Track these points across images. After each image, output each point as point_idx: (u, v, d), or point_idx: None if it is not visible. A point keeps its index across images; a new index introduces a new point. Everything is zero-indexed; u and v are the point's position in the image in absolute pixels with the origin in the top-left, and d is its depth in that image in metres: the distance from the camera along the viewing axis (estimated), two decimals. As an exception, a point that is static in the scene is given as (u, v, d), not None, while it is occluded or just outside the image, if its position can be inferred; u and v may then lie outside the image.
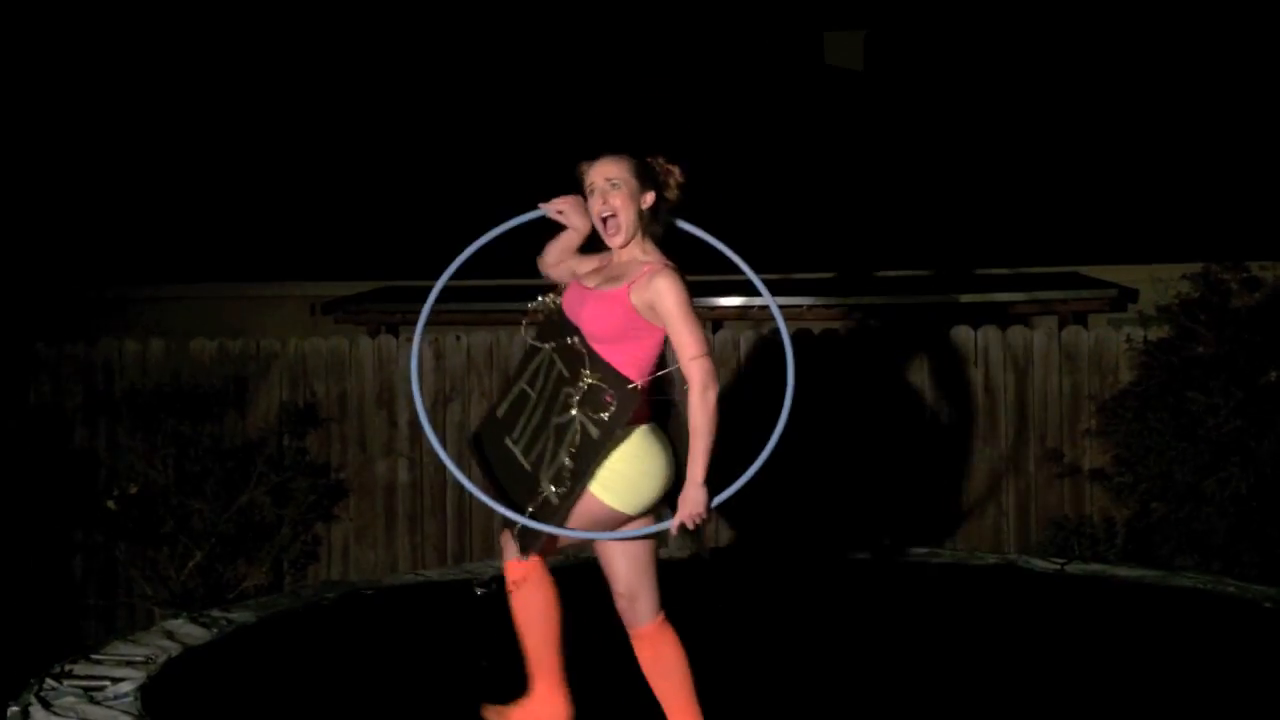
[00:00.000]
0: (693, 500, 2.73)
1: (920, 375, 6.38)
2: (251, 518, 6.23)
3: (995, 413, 6.30)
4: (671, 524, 2.78)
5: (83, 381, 6.75)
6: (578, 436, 2.73)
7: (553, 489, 2.73)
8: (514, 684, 2.94)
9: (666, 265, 2.78)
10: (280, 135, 11.01)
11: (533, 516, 2.76)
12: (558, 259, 2.99)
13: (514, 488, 2.84)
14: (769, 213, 9.21)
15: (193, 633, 3.94)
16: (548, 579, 2.89)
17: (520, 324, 3.07)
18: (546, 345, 2.88)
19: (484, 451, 2.96)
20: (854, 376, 6.34)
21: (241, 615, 4.24)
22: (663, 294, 2.71)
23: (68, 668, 3.38)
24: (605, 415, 2.71)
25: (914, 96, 11.26)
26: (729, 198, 7.84)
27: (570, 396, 2.76)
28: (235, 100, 11.53)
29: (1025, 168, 9.92)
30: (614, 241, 2.81)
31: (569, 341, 2.81)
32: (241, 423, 6.53)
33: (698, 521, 2.75)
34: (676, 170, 2.88)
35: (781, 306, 3.07)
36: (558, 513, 2.73)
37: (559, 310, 2.90)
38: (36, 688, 3.16)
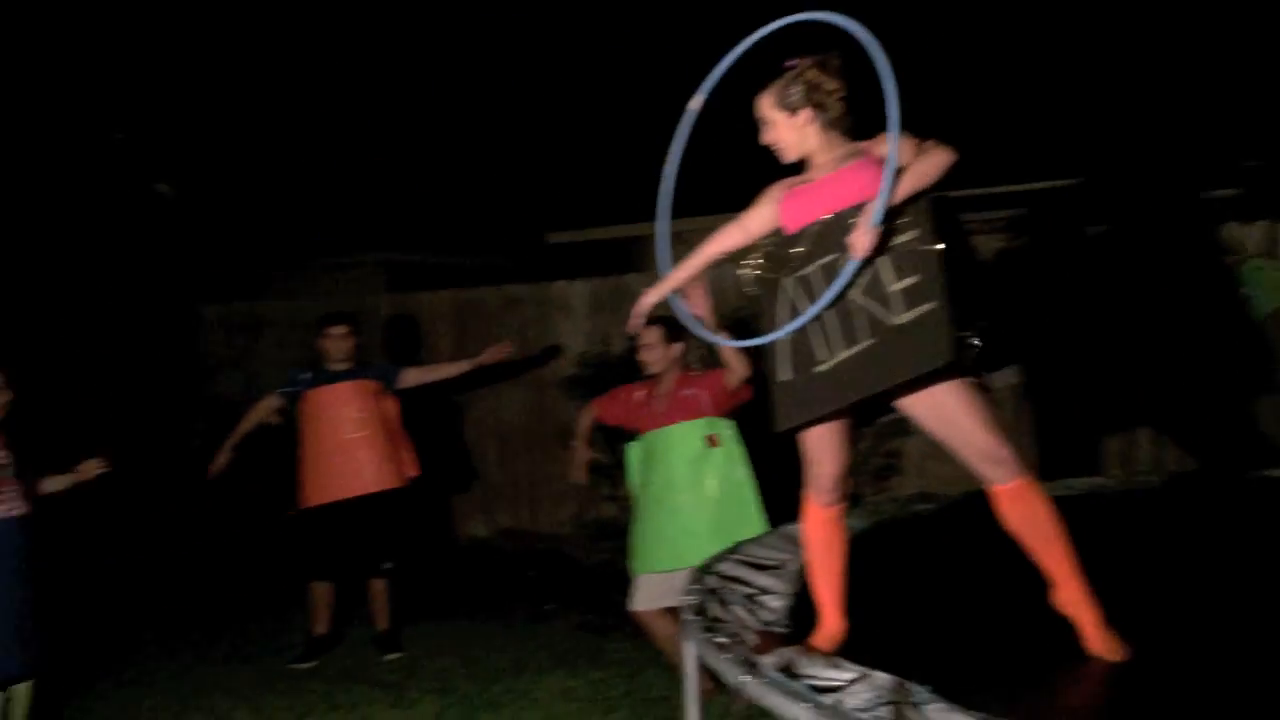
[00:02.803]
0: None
1: None
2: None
3: None
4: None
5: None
6: (897, 261, 2.74)
7: (910, 316, 2.70)
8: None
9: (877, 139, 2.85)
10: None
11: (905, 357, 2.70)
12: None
13: (875, 370, 2.76)
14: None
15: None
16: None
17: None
18: (783, 277, 2.91)
19: (811, 410, 2.85)
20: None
21: (852, 522, 4.33)
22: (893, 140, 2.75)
23: (715, 567, 3.64)
24: (904, 223, 2.75)
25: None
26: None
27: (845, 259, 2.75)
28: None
29: None
30: (786, 160, 2.99)
31: (813, 232, 2.86)
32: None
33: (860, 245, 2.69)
34: (825, 79, 2.89)
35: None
36: (939, 325, 2.67)
37: (777, 245, 2.96)
38: (704, 581, 3.42)
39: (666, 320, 4.55)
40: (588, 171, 13.04)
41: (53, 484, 4.69)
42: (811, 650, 2.75)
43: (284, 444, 6.05)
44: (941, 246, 2.72)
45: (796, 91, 2.93)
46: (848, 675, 2.46)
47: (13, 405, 4.52)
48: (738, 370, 4.48)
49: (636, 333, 4.11)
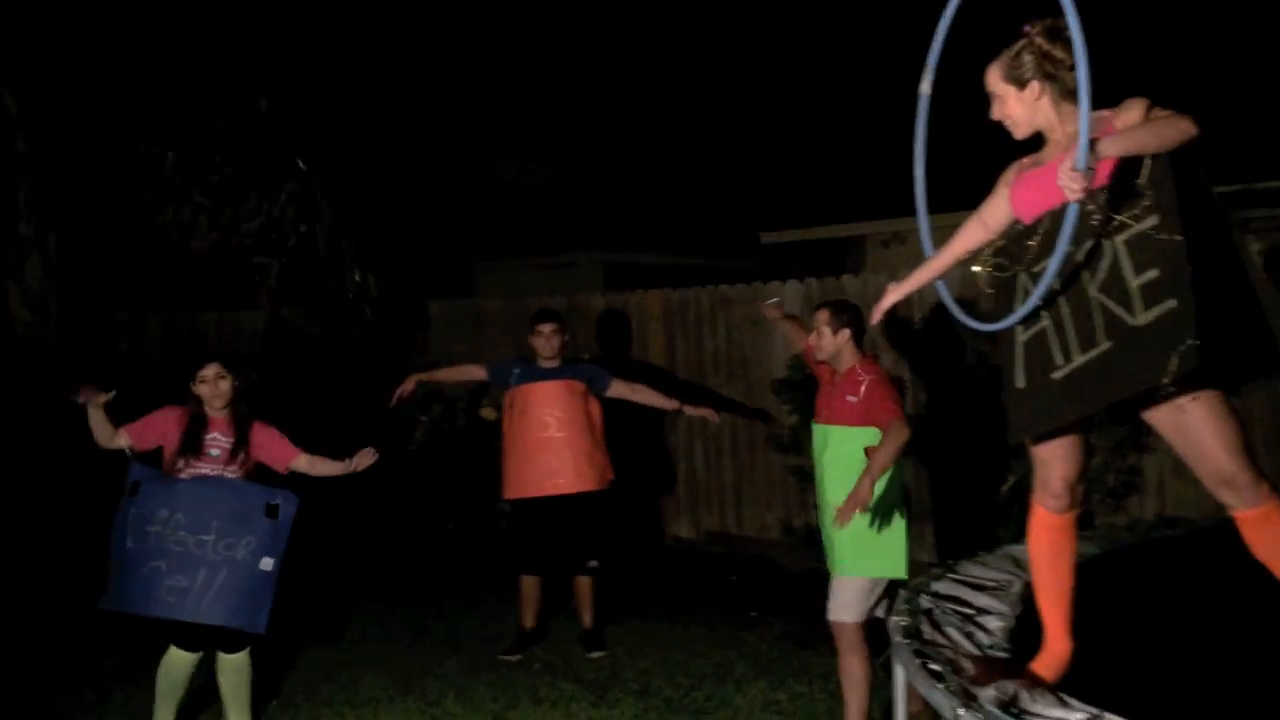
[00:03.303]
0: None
1: None
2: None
3: None
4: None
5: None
6: (1136, 250, 2.48)
7: (1150, 316, 2.45)
8: None
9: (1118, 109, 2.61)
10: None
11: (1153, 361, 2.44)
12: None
13: (1108, 382, 2.52)
14: None
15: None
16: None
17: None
18: (1019, 269, 2.73)
19: (1045, 423, 2.66)
20: None
21: (1084, 548, 4.00)
22: (1127, 109, 2.60)
23: (929, 586, 3.43)
24: (1144, 206, 2.50)
25: None
26: None
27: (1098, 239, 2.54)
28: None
29: None
30: (1018, 136, 2.82)
31: (1045, 228, 2.65)
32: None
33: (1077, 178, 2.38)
34: (1056, 48, 2.65)
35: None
36: (1180, 329, 2.40)
37: (1012, 238, 2.79)
38: (912, 600, 3.22)
39: (834, 304, 4.39)
40: (801, 171, 12.83)
41: (326, 467, 4.81)
42: (1035, 681, 2.52)
43: (496, 436, 6.18)
44: (1181, 238, 2.44)
45: (1025, 62, 2.71)
46: (1078, 717, 2.22)
47: (241, 391, 4.69)
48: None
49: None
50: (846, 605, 4.23)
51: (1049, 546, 2.79)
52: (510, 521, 5.99)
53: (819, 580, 6.63)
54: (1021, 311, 2.62)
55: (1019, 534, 5.06)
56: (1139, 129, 2.49)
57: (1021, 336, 2.70)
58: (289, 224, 8.04)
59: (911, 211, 9.60)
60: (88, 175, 8.28)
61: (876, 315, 3.18)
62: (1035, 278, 2.64)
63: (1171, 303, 2.42)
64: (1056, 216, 2.60)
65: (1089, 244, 2.57)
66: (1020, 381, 2.69)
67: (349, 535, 8.31)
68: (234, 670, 4.58)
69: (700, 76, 14.52)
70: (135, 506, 4.43)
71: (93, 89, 7.51)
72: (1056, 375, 2.61)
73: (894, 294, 3.08)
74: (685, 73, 14.45)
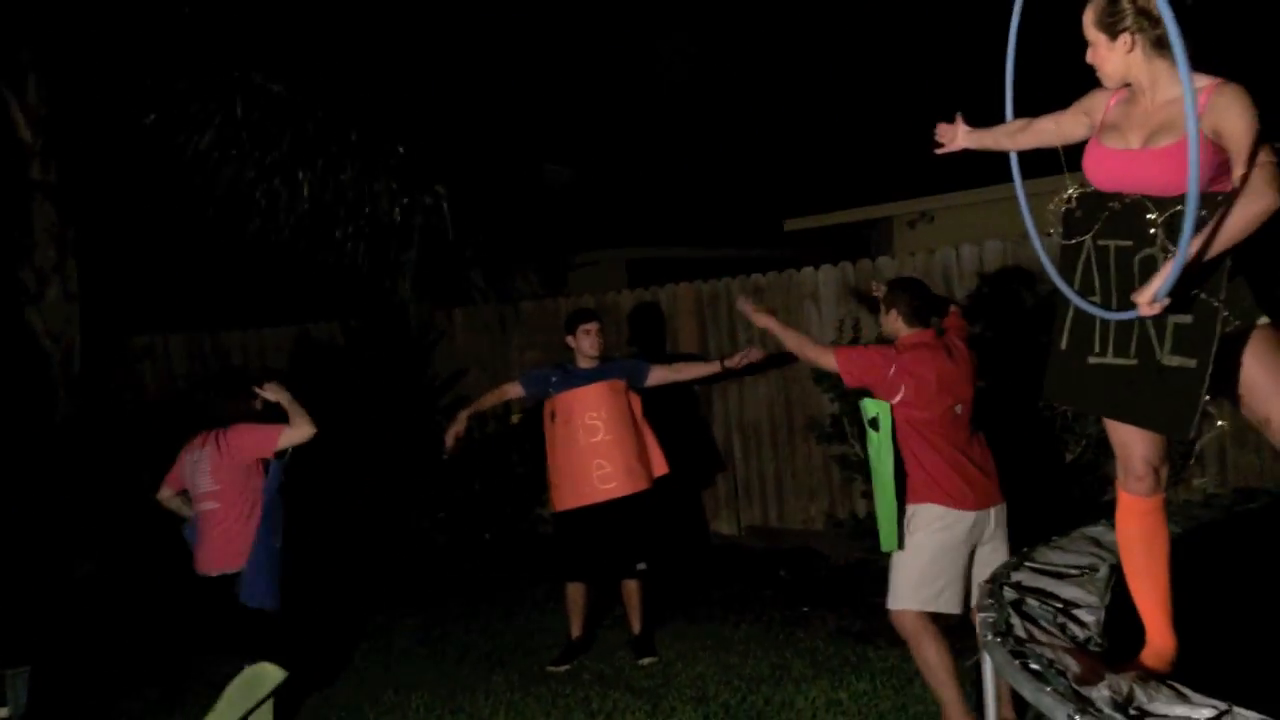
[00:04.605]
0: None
1: None
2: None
3: None
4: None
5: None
6: (1181, 287, 2.35)
7: (1173, 362, 2.43)
8: None
9: (1221, 83, 2.43)
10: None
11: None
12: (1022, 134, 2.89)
13: (1130, 401, 2.50)
14: None
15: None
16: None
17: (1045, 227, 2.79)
18: (1085, 237, 2.61)
19: (1074, 400, 2.77)
20: None
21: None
22: (1229, 110, 2.39)
23: (1009, 577, 3.22)
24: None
25: None
26: None
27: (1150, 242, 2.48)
28: None
29: None
30: (1109, 86, 2.66)
31: (1114, 207, 2.56)
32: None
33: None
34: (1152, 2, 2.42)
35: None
36: (1190, 392, 2.39)
37: (1087, 194, 2.65)
38: (1006, 594, 3.02)
39: (887, 284, 4.36)
40: (822, 155, 12.61)
41: (297, 424, 4.76)
42: (1148, 676, 2.32)
43: (533, 443, 6.04)
44: (1219, 305, 2.41)
45: (1121, 10, 2.52)
46: (1205, 713, 2.02)
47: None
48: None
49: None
50: (898, 592, 4.04)
51: (1140, 534, 2.60)
52: (556, 528, 5.83)
53: (868, 571, 6.50)
54: (1078, 302, 2.63)
55: (1083, 513, 4.86)
56: (1236, 220, 2.38)
57: (1072, 299, 2.63)
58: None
59: (936, 190, 9.34)
60: (111, 196, 8.19)
61: (948, 145, 3.09)
62: (1097, 250, 2.60)
63: (1192, 362, 2.42)
64: (1129, 205, 2.55)
65: (1149, 251, 2.51)
66: (1062, 344, 2.69)
67: (384, 549, 8.18)
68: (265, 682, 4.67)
69: (710, 67, 14.32)
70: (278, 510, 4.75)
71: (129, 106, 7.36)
72: (1092, 360, 2.61)
73: (965, 138, 3.03)
74: (696, 65, 14.27)
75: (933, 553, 3.96)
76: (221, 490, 4.67)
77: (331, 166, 7.46)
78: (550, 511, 5.80)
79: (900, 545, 4.02)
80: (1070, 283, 2.63)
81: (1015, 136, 2.88)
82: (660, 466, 5.80)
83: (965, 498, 3.97)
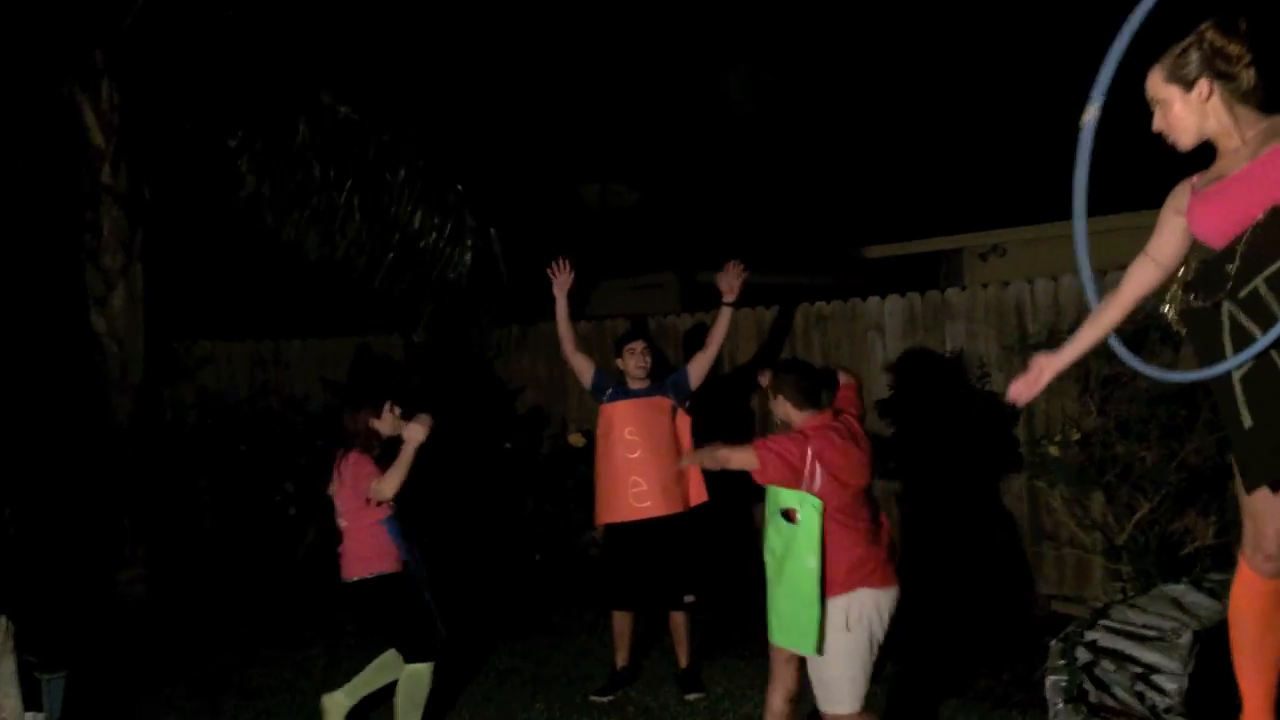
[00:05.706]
0: None
1: None
2: (1200, 467, 5.47)
3: None
4: None
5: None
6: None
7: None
8: None
9: None
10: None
11: None
12: None
13: None
14: None
15: (1201, 603, 3.35)
16: None
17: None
18: (1214, 300, 2.33)
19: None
20: None
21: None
22: None
23: (1082, 636, 3.01)
24: None
25: None
26: None
27: None
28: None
29: None
30: (1182, 147, 2.44)
31: (1229, 270, 2.29)
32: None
33: None
34: (1230, 43, 2.32)
35: None
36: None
37: (1205, 266, 2.40)
38: (1068, 656, 2.81)
39: (772, 369, 4.24)
40: (896, 184, 12.39)
41: (395, 469, 4.79)
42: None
43: (589, 464, 5.94)
44: None
45: (1193, 59, 2.35)
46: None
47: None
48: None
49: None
50: (838, 696, 3.78)
51: (1256, 615, 2.37)
52: (602, 551, 5.70)
53: (915, 604, 6.25)
54: (1257, 347, 2.23)
55: (1160, 571, 4.60)
56: None
57: (1237, 372, 2.31)
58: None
59: (1009, 223, 9.00)
60: (177, 202, 8.24)
61: (1027, 394, 2.74)
62: (1242, 305, 2.29)
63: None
64: (1256, 232, 2.26)
65: None
66: (1248, 420, 2.30)
67: (432, 566, 8.09)
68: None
69: (787, 93, 14.18)
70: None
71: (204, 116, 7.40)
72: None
73: (1051, 368, 2.68)
74: (772, 90, 14.13)
75: (866, 644, 3.75)
76: (346, 511, 4.88)
77: (388, 195, 7.43)
78: (599, 533, 5.69)
79: (820, 649, 3.75)
80: (1219, 351, 2.33)
81: (1104, 314, 2.61)
82: (699, 494, 5.63)
83: (888, 575, 3.83)
